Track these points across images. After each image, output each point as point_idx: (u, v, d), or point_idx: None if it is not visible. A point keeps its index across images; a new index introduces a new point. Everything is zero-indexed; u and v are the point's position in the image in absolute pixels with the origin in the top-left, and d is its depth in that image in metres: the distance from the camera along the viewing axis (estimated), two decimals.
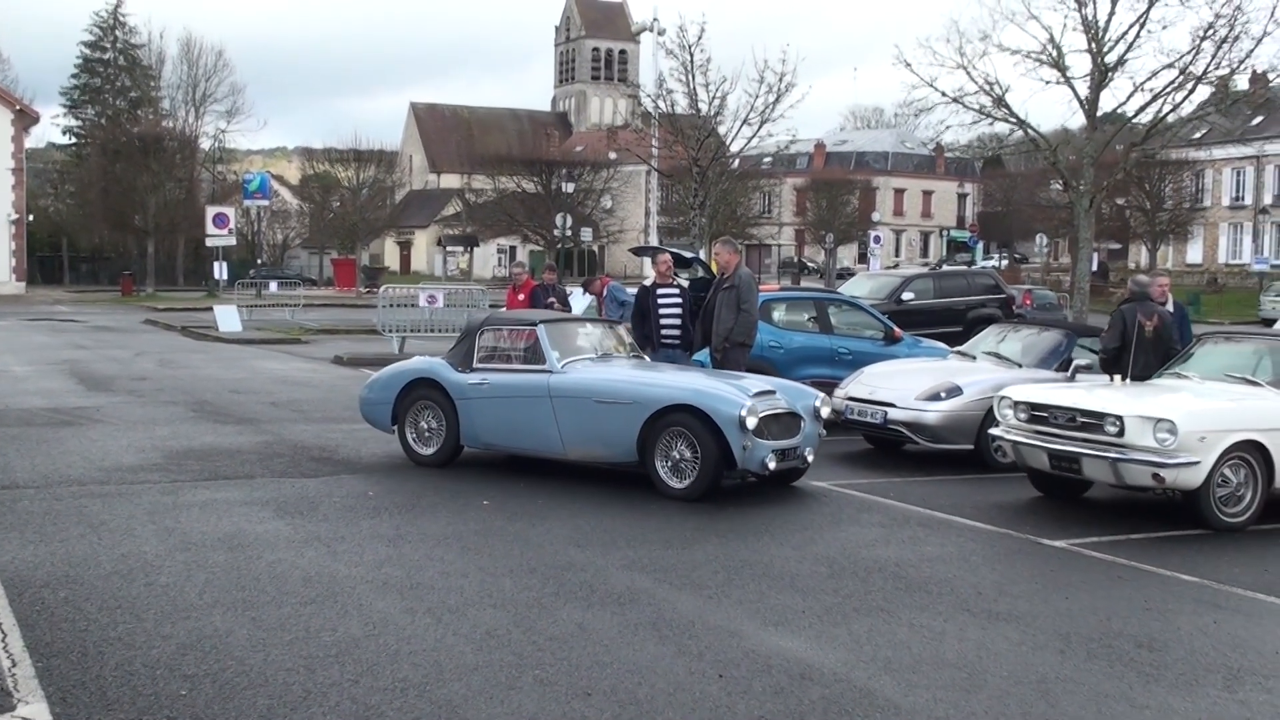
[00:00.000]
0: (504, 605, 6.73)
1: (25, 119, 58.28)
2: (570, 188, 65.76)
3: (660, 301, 12.82)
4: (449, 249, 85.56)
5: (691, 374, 10.93)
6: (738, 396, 9.79)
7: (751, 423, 9.61)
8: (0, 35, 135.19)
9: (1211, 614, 7.11)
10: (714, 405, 9.72)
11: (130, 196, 59.00)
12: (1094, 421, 9.44)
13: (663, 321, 12.72)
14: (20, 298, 50.77)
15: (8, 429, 12.89)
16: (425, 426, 11.28)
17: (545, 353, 10.76)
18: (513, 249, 78.19)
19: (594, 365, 10.89)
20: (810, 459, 10.49)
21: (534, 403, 10.62)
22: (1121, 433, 9.21)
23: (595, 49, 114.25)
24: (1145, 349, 11.11)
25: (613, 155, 71.85)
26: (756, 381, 10.51)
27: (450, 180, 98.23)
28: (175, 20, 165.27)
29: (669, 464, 9.93)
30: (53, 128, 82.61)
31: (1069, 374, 11.86)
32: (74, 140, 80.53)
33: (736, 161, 44.26)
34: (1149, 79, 26.54)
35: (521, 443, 10.93)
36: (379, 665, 5.69)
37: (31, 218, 60.96)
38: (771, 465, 9.84)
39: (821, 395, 10.82)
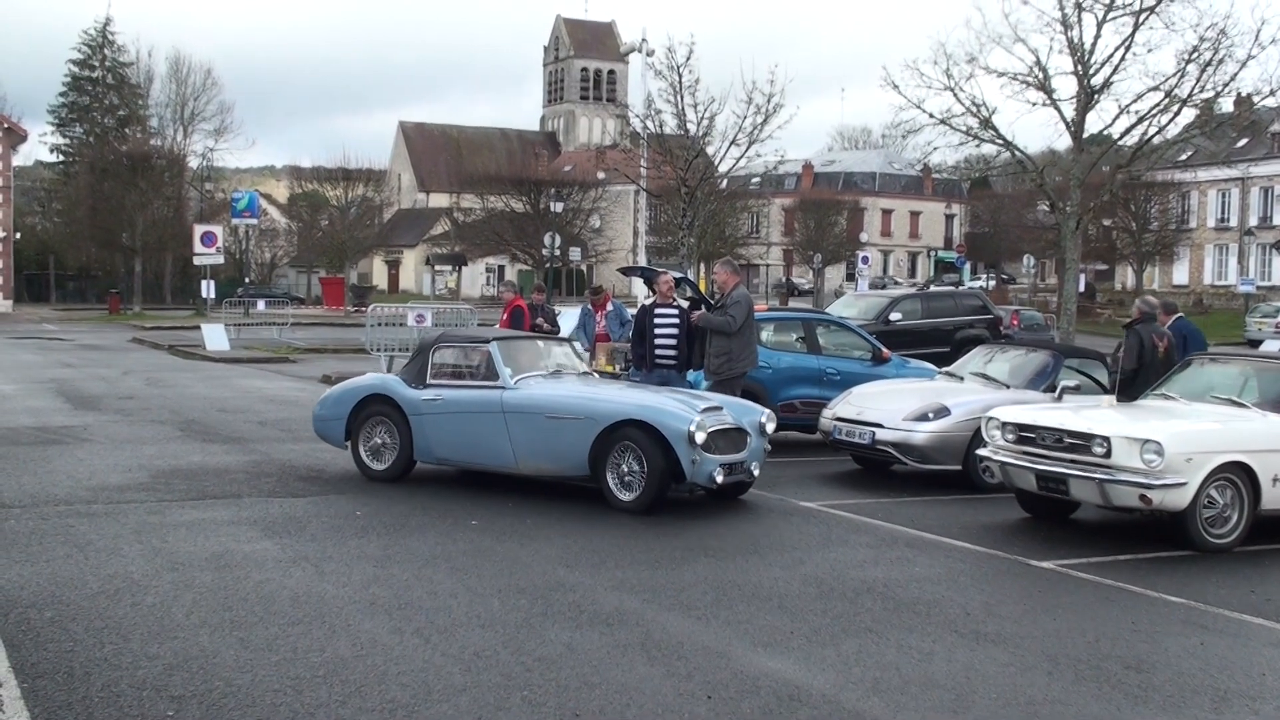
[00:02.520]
0: (492, 626, 6.72)
1: (13, 137, 58.27)
2: (559, 207, 65.69)
3: (657, 321, 12.77)
4: (437, 268, 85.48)
5: (643, 390, 11.08)
6: (686, 412, 10.02)
7: (700, 437, 9.84)
8: None
9: (1199, 635, 7.13)
10: (663, 420, 9.94)
11: (118, 215, 58.82)
12: (1081, 443, 9.47)
13: (658, 342, 12.67)
14: (7, 316, 50.65)
15: None
16: (379, 442, 11.39)
17: (498, 369, 10.94)
18: (501, 268, 78.17)
19: (546, 381, 11.07)
20: (756, 473, 10.73)
21: (487, 418, 10.78)
22: (1109, 454, 9.24)
23: (584, 69, 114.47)
24: (1156, 370, 11.18)
25: (601, 175, 72.12)
26: (705, 398, 10.80)
27: (439, 199, 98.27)
28: (164, 39, 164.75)
29: (619, 478, 10.13)
30: (41, 146, 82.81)
31: (1056, 395, 11.91)
32: (62, 158, 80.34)
33: (725, 182, 44.39)
34: (1134, 101, 26.74)
35: (474, 457, 11.05)
36: (367, 686, 5.67)
37: (19, 236, 60.88)
38: (719, 479, 10.09)
39: (767, 411, 11.05)
